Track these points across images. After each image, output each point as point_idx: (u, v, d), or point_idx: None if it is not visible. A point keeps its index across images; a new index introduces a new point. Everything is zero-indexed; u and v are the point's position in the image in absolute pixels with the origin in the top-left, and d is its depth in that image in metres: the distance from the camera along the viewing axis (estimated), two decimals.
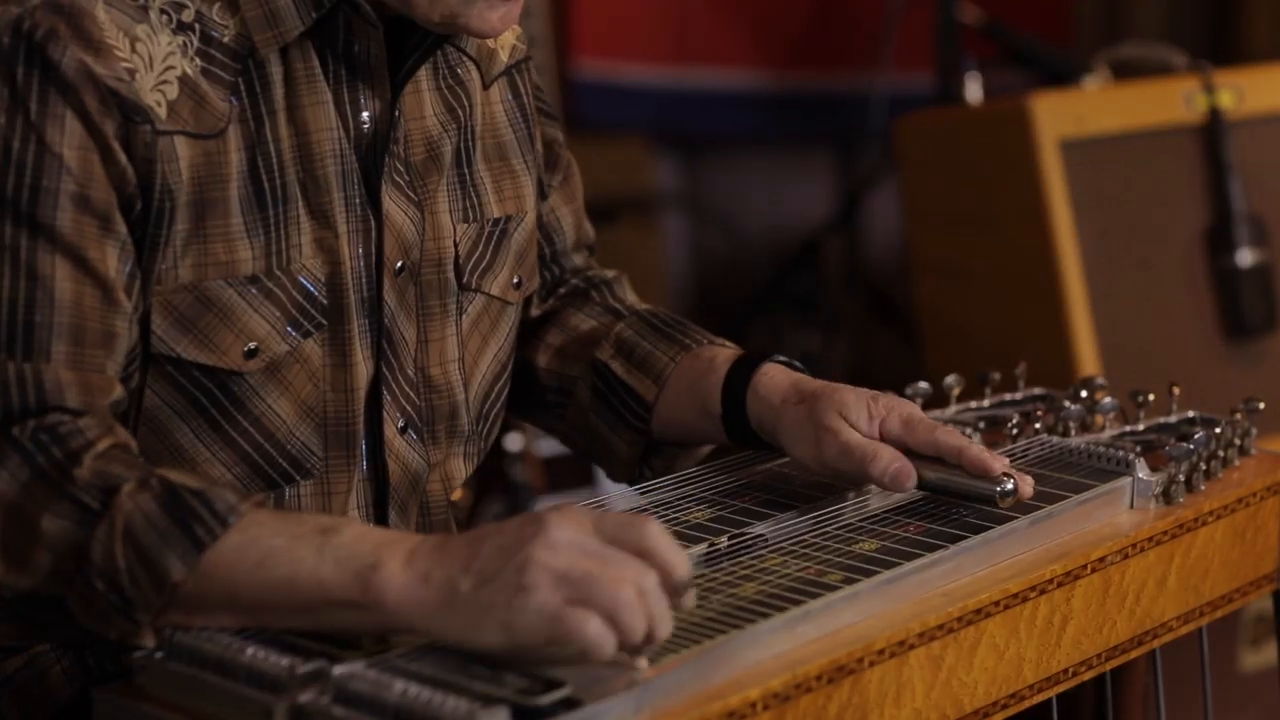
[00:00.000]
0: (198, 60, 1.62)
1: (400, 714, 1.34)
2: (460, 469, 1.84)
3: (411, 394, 1.76)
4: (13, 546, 1.50)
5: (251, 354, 1.64)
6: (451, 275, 1.79)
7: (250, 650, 1.42)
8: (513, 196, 1.85)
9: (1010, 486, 1.67)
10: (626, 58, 4.09)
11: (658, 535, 1.43)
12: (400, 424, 1.75)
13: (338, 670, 1.38)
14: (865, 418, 1.72)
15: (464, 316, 1.81)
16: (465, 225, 1.80)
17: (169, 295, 1.61)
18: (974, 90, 3.22)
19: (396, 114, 1.71)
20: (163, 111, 1.59)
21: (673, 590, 1.43)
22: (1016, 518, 1.68)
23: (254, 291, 1.64)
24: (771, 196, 4.32)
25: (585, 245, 2.02)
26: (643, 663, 1.41)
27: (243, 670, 1.41)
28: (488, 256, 1.82)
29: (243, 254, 1.63)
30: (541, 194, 1.92)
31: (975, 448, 1.69)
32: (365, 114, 1.70)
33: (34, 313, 1.55)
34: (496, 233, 1.83)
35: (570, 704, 1.35)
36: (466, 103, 1.81)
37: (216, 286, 1.62)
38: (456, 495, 1.97)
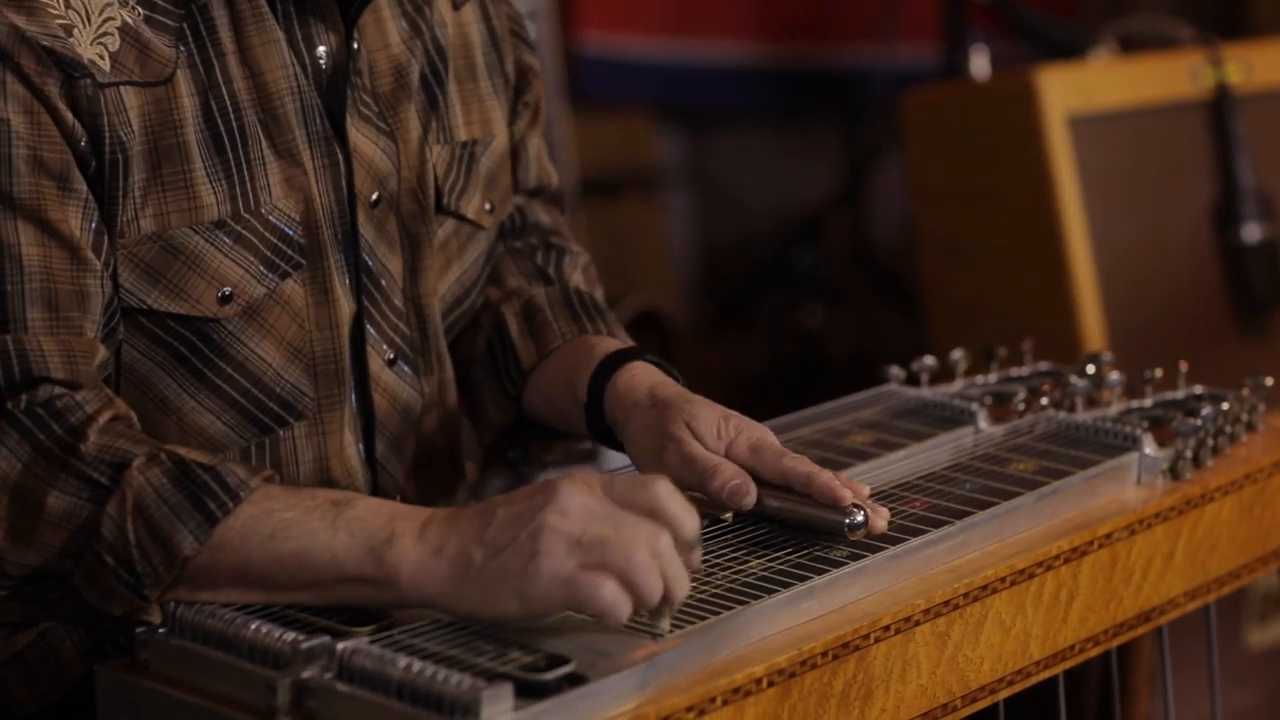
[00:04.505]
0: (139, 9, 1.61)
1: (404, 690, 1.33)
2: (453, 392, 1.83)
3: (401, 325, 1.75)
4: (18, 524, 1.50)
5: (226, 299, 1.63)
6: (433, 198, 1.77)
7: (254, 626, 1.42)
8: (479, 120, 1.84)
9: (860, 519, 1.57)
10: (631, 31, 4.08)
11: (668, 495, 1.43)
12: (389, 356, 1.74)
13: (341, 646, 1.38)
14: (713, 436, 1.65)
15: (434, 239, 1.80)
16: (439, 147, 1.79)
17: (133, 247, 1.60)
18: (980, 64, 3.21)
19: (355, 46, 1.70)
20: (105, 64, 1.58)
21: (683, 548, 1.43)
22: (1023, 494, 1.68)
23: (222, 236, 1.63)
24: (776, 171, 4.31)
25: (547, 188, 1.99)
26: (665, 624, 1.42)
27: (246, 646, 1.41)
28: (462, 178, 1.82)
29: (206, 199, 1.62)
30: (512, 117, 1.90)
31: (824, 475, 1.60)
32: (321, 49, 1.69)
33: (4, 282, 1.54)
34: (466, 155, 1.82)
35: (575, 680, 1.35)
36: (431, 19, 1.80)
37: (181, 234, 1.61)
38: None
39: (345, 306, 1.70)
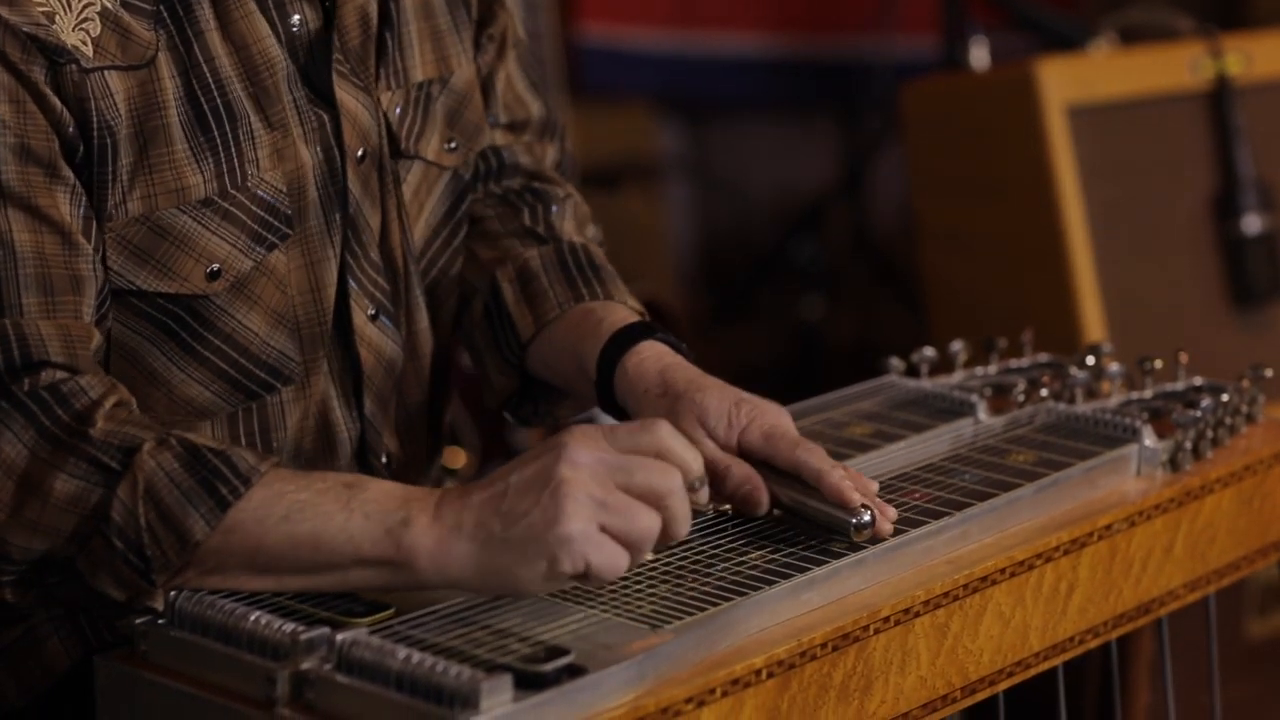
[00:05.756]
0: None
1: (403, 680, 1.33)
2: (426, 343, 1.83)
3: (380, 279, 1.76)
4: (23, 508, 1.49)
5: (214, 275, 1.63)
6: (386, 145, 1.77)
7: (253, 617, 1.42)
8: (435, 59, 1.83)
9: (868, 519, 1.55)
10: (631, 23, 4.07)
11: (670, 435, 1.46)
12: (371, 311, 1.75)
13: (341, 637, 1.38)
14: (725, 426, 1.64)
15: (403, 185, 1.79)
16: (390, 92, 1.78)
17: (121, 230, 1.60)
18: (980, 55, 3.21)
19: (330, 6, 1.70)
20: (89, 50, 1.58)
21: (690, 488, 1.46)
22: (1022, 485, 1.68)
23: (209, 214, 1.63)
24: (776, 162, 4.31)
25: (532, 125, 1.97)
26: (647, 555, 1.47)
27: (245, 637, 1.41)
28: (419, 121, 1.81)
29: (192, 179, 1.62)
30: (475, 51, 1.89)
31: (835, 473, 1.58)
32: (295, 17, 1.69)
33: None
34: (422, 97, 1.82)
35: (574, 671, 1.35)
36: None
37: (169, 215, 1.62)
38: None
39: (331, 267, 1.71)
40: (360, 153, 1.73)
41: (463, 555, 1.43)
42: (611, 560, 1.41)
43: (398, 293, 1.79)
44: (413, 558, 1.44)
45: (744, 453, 1.63)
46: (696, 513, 1.61)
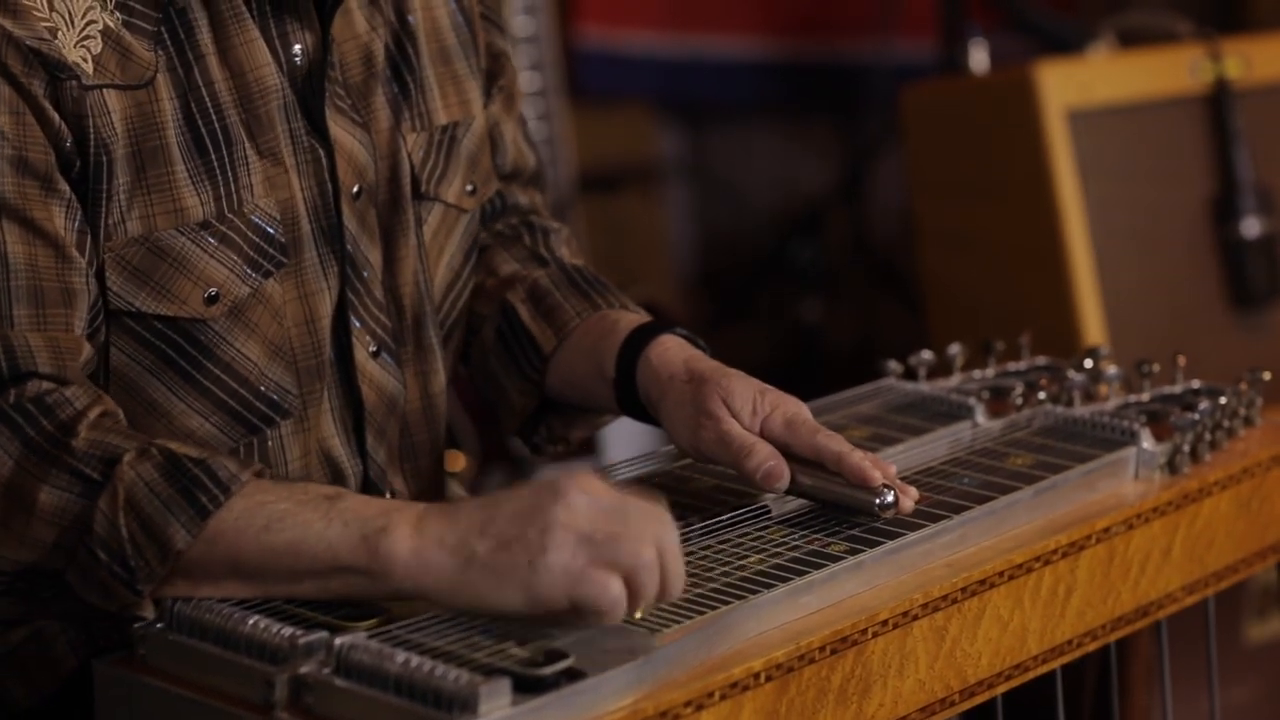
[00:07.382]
0: (118, 13, 1.61)
1: (402, 685, 1.34)
2: (439, 383, 1.83)
3: (382, 317, 1.76)
4: (10, 520, 1.50)
5: (212, 300, 1.63)
6: (408, 187, 1.77)
7: (251, 621, 1.42)
8: (458, 102, 1.84)
9: (890, 499, 1.59)
10: (630, 26, 4.07)
11: (670, 523, 1.45)
12: (373, 348, 1.74)
13: (339, 641, 1.38)
14: (749, 411, 1.67)
15: (424, 227, 1.80)
16: (415, 134, 1.79)
17: (120, 250, 1.60)
18: (979, 59, 3.21)
19: (330, 40, 1.71)
20: (89, 67, 1.58)
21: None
22: (1020, 488, 1.68)
23: (207, 237, 1.63)
24: (776, 165, 4.31)
25: (526, 174, 1.99)
26: (638, 614, 1.43)
27: (244, 641, 1.41)
28: (441, 163, 1.82)
29: (190, 201, 1.62)
30: (485, 100, 1.90)
31: (855, 455, 1.62)
32: (297, 47, 1.69)
33: None
34: (446, 140, 1.82)
35: (573, 675, 1.35)
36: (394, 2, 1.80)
37: (168, 236, 1.61)
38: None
39: (325, 300, 1.70)
40: (355, 189, 1.72)
41: (440, 569, 1.42)
42: (605, 590, 1.39)
43: (401, 331, 1.79)
44: (388, 566, 1.43)
45: (766, 437, 1.66)
46: (698, 513, 1.62)
